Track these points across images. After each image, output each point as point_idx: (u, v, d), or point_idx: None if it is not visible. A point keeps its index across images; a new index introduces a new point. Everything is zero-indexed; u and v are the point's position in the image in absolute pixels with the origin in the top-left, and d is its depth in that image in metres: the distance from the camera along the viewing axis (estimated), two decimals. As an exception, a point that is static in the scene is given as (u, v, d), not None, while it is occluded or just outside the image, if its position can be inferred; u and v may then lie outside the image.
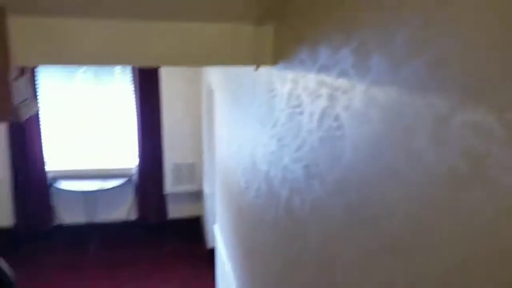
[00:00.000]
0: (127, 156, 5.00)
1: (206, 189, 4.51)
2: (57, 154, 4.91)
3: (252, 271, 2.26)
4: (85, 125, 4.91)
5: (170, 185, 4.90)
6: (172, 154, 4.85)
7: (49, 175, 4.75)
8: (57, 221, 4.90)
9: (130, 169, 4.93)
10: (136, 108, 4.72)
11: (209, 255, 4.51)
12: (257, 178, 2.12)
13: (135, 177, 4.93)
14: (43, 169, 4.68)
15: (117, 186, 4.79)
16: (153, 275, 4.31)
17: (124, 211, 5.02)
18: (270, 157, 1.88)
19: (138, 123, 4.74)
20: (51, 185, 4.74)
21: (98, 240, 4.84)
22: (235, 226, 2.83)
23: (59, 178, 4.79)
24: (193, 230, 5.11)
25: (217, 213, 3.77)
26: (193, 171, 4.92)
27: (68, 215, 4.94)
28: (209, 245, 4.54)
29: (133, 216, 5.04)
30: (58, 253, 4.62)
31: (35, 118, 4.58)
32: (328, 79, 1.18)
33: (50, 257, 4.55)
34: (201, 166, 4.88)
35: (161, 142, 4.82)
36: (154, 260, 4.57)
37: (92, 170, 4.87)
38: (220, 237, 3.59)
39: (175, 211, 5.12)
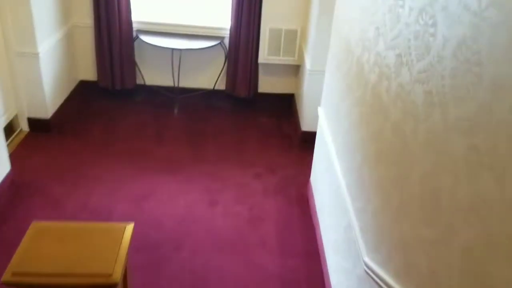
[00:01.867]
0: (220, 16, 4.32)
1: (308, 64, 3.80)
2: (144, 4, 4.33)
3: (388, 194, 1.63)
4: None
5: (264, 54, 4.24)
6: (271, 17, 4.09)
7: (134, 27, 4.24)
8: (140, 80, 4.51)
9: (222, 30, 4.28)
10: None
11: (303, 139, 3.99)
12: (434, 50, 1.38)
13: (226, 41, 4.29)
14: (128, 18, 4.16)
15: (207, 48, 4.21)
16: (238, 149, 3.90)
17: (211, 78, 4.50)
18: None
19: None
20: (136, 37, 4.25)
21: (181, 106, 4.44)
22: (359, 116, 2.17)
23: (145, 32, 4.27)
24: (284, 108, 4.55)
25: (324, 94, 3.11)
26: (294, 40, 4.17)
27: (152, 75, 4.52)
28: (304, 127, 3.98)
29: (221, 85, 4.52)
30: (139, 114, 4.30)
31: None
32: None
33: (129, 117, 4.25)
34: (305, 35, 4.11)
35: (259, 2, 4.04)
36: (240, 134, 4.14)
37: (181, 26, 4.27)
38: (326, 123, 2.98)
39: (266, 84, 4.52)
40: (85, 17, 4.20)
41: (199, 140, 4.02)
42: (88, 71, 4.46)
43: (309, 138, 3.87)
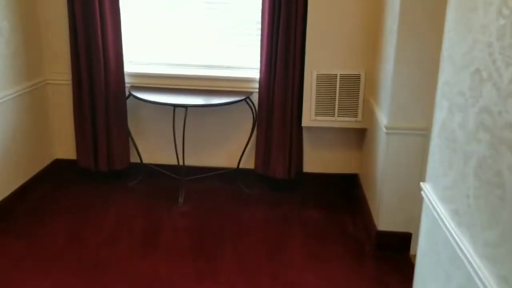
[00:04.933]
0: (246, 63, 3.05)
1: (384, 119, 2.36)
2: (138, 49, 3.13)
3: None
4: (184, 11, 3.05)
5: (311, 114, 2.85)
6: (319, 58, 2.77)
7: (126, 82, 3.02)
8: (135, 157, 3.18)
9: (248, 82, 2.99)
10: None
11: (381, 244, 2.42)
12: None
13: (255, 98, 2.97)
14: (120, 70, 2.96)
15: (225, 106, 2.90)
16: (272, 259, 2.36)
17: (234, 152, 3.12)
18: None
19: (266, 11, 2.74)
20: (128, 96, 3.01)
21: (189, 193, 3.02)
22: None
23: (140, 88, 3.03)
24: (345, 196, 3.04)
25: (433, 156, 1.61)
26: (355, 91, 2.79)
27: (151, 150, 3.19)
28: (382, 224, 2.41)
29: (248, 162, 3.11)
30: (127, 205, 2.90)
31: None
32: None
33: (112, 210, 2.85)
34: (374, 81, 2.72)
35: (301, 39, 2.76)
36: (276, 237, 2.61)
37: (191, 79, 3.02)
38: (448, 210, 1.43)
39: (315, 160, 3.07)
40: (61, 70, 3.05)
41: (211, 245, 2.52)
42: (67, 147, 3.21)
43: (394, 243, 2.32)
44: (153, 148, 3.19)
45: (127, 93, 3.00)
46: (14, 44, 2.75)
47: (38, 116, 3.04)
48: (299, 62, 2.80)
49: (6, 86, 2.69)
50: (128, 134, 3.11)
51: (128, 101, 3.02)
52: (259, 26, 2.83)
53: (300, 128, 2.93)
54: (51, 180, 3.13)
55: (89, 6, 2.80)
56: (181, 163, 2.95)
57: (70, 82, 3.01)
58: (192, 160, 3.11)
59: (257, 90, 2.93)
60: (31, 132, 2.97)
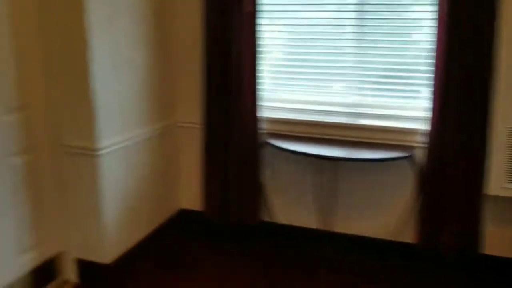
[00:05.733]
0: (407, 112, 2.49)
1: None
2: (276, 93, 2.76)
3: None
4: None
5: (499, 181, 2.17)
6: (511, 110, 2.12)
7: (263, 127, 2.65)
8: (268, 215, 2.76)
9: (410, 134, 2.42)
10: (438, 33, 2.19)
11: None
12: None
13: (420, 155, 2.38)
14: (254, 116, 2.61)
15: (380, 163, 2.35)
16: None
17: (387, 220, 2.53)
18: None
19: (439, 55, 2.20)
20: (264, 143, 2.62)
21: (330, 266, 2.47)
22: None
23: (277, 136, 2.63)
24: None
25: None
26: None
27: (285, 208, 2.74)
28: None
29: (406, 234, 2.48)
30: (250, 271, 2.44)
31: (248, 29, 2.53)
32: None
33: (230, 275, 2.41)
34: None
35: (485, 81, 2.15)
36: None
37: (335, 127, 2.54)
38: None
39: (501, 240, 2.34)
40: (192, 112, 2.80)
41: None
42: (193, 196, 2.91)
43: None
44: (288, 207, 2.73)
45: (262, 141, 2.63)
46: (150, 80, 2.55)
47: (165, 160, 2.79)
48: (484, 111, 2.17)
49: (136, 126, 2.46)
50: (261, 187, 2.71)
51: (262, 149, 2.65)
52: (423, 67, 2.30)
53: (481, 196, 2.25)
54: (173, 234, 2.82)
55: (226, 45, 2.52)
56: (324, 227, 2.44)
57: (200, 126, 2.74)
58: (335, 225, 2.58)
59: (421, 144, 2.34)
60: (158, 178, 2.71)
